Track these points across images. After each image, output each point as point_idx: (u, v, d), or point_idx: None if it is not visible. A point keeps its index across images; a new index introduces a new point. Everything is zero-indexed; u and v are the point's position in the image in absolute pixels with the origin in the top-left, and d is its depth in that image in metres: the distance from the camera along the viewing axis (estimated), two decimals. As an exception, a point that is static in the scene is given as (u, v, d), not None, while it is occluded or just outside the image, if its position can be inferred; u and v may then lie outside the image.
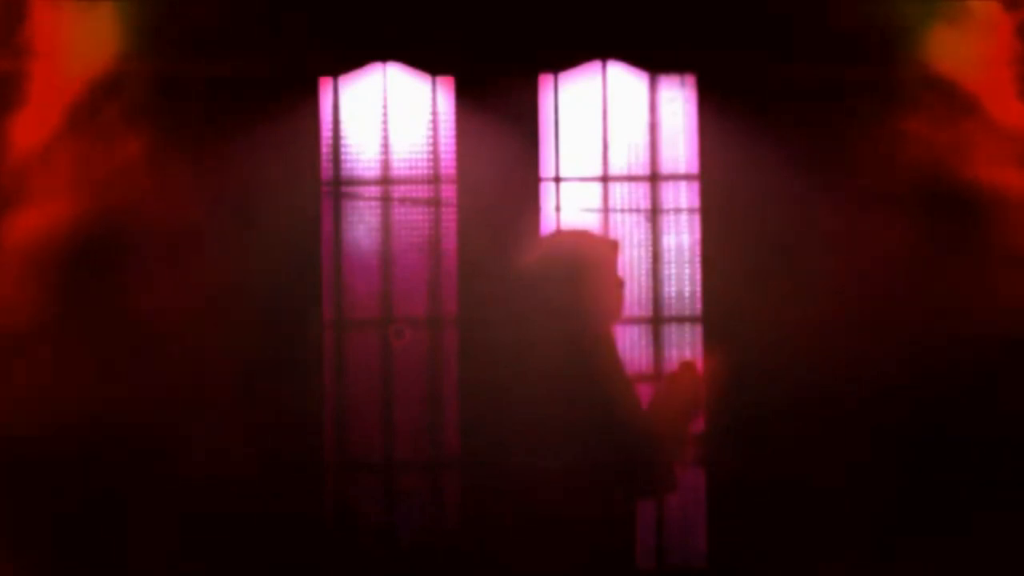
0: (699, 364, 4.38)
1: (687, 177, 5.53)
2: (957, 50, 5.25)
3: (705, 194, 5.49)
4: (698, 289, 5.50)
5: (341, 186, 5.49)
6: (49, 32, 5.16)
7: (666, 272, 5.52)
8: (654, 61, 5.50)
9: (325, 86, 5.48)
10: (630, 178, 5.55)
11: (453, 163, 5.49)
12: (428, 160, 5.51)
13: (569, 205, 5.51)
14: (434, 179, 5.51)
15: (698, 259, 5.50)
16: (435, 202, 5.50)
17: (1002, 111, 5.24)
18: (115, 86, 5.22)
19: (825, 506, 5.30)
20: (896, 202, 5.31)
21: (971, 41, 5.24)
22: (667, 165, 5.55)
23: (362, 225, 5.51)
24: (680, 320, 5.52)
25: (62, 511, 5.18)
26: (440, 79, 5.50)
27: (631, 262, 5.50)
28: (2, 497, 5.14)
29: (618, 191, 5.54)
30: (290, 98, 5.40)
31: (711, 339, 5.45)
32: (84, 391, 5.16)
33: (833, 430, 5.30)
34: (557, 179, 5.51)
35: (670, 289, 5.53)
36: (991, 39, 5.25)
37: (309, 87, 5.45)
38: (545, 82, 5.51)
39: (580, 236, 4.28)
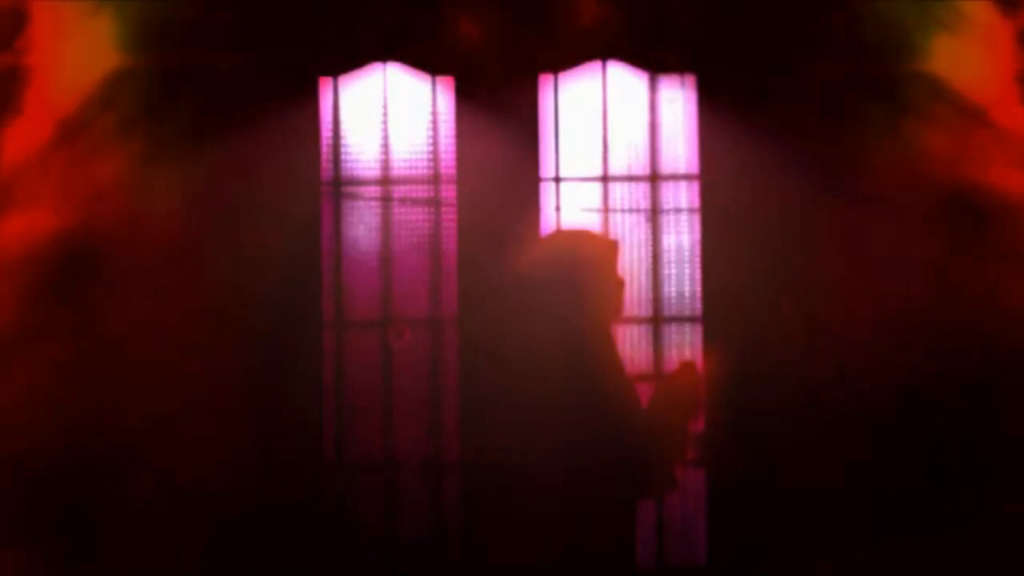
0: (699, 364, 4.38)
1: (687, 177, 5.53)
2: (956, 53, 5.25)
3: (705, 194, 5.49)
4: (698, 289, 5.50)
5: (341, 186, 5.49)
6: (48, 37, 5.16)
7: (666, 272, 5.52)
8: (654, 61, 5.50)
9: (325, 86, 5.48)
10: (630, 178, 5.55)
11: (453, 163, 5.49)
12: (428, 160, 5.51)
13: (569, 205, 5.51)
14: (434, 179, 5.51)
15: (698, 259, 5.50)
16: (435, 202, 5.50)
17: (1004, 115, 5.24)
18: (113, 88, 5.22)
19: (825, 506, 5.30)
20: (895, 202, 5.31)
21: (971, 45, 5.24)
22: (667, 165, 5.55)
23: (362, 225, 5.51)
24: (680, 320, 5.52)
25: (58, 514, 5.19)
26: (440, 79, 5.50)
27: (631, 262, 5.50)
28: (5, 498, 5.15)
29: (618, 191, 5.54)
30: (290, 98, 5.40)
31: (711, 339, 5.44)
32: (83, 393, 5.16)
33: (833, 430, 5.30)
34: (557, 179, 5.51)
35: (670, 289, 5.53)
36: (991, 44, 5.24)
37: (309, 87, 5.45)
38: (545, 82, 5.51)
39: (580, 236, 4.28)
